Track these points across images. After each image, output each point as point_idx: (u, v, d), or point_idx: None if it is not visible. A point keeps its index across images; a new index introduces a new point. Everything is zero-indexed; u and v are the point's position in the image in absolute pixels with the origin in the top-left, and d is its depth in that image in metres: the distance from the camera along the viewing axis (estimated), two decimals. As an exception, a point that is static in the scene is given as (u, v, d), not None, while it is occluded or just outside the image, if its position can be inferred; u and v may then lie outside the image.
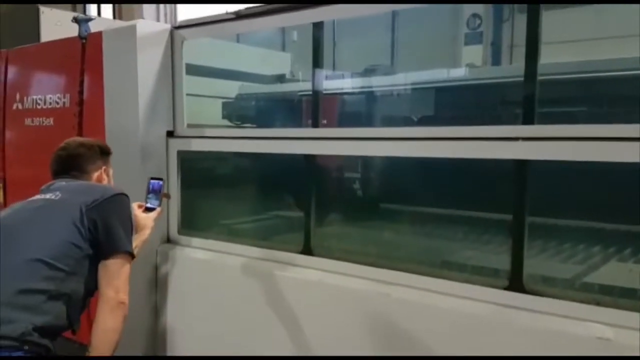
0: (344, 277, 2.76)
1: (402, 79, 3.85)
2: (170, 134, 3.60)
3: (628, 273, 2.52)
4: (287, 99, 4.02)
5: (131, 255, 2.35)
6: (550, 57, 2.43)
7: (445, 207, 3.33)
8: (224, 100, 4.15)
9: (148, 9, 11.64)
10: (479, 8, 5.70)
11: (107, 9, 12.89)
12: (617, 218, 2.65)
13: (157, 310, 3.56)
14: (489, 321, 2.27)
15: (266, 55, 4.38)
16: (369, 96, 3.82)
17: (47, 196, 2.37)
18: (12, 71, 4.32)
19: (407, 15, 5.42)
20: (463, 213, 3.30)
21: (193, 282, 3.37)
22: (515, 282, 2.27)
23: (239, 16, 3.11)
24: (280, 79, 4.41)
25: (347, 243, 3.16)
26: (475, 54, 5.58)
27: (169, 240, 3.67)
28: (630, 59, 2.79)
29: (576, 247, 2.98)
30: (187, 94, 3.53)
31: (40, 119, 4.00)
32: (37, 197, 2.41)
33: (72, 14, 3.76)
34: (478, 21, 5.63)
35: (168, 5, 11.71)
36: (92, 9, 13.07)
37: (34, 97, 4.08)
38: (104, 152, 2.71)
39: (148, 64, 3.40)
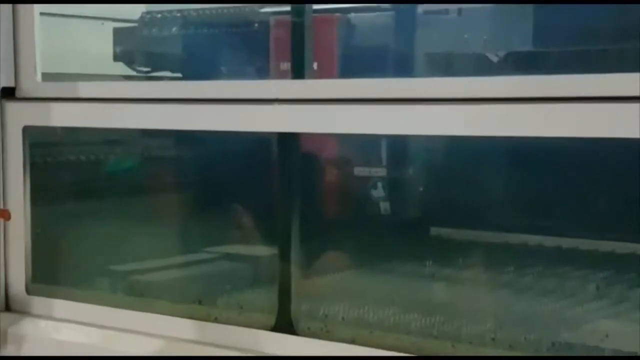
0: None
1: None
2: (7, 93, 2.30)
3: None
4: (243, 23, 2.65)
5: None
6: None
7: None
8: (118, 25, 2.81)
9: None
10: None
11: None
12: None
13: None
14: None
15: None
16: (404, 15, 2.36)
17: None
18: None
19: None
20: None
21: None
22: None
23: None
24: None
25: (368, 308, 1.97)
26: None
27: (7, 306, 2.38)
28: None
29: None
30: (44, 14, 2.32)
31: None
32: None
33: None
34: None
35: None
36: None
37: None
38: None
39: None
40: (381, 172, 2.15)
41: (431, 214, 2.22)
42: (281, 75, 2.19)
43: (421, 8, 2.21)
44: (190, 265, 2.31)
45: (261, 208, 2.09)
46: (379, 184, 2.09)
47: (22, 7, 2.22)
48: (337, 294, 2.03)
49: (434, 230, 2.15)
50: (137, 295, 2.19)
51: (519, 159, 1.81)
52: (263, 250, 2.13)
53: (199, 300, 2.11)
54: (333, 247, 2.08)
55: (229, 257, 2.28)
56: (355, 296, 2.00)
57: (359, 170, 2.15)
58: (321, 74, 2.09)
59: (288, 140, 1.91)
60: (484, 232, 2.10)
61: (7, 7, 2.21)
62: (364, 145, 2.11)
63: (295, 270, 1.90)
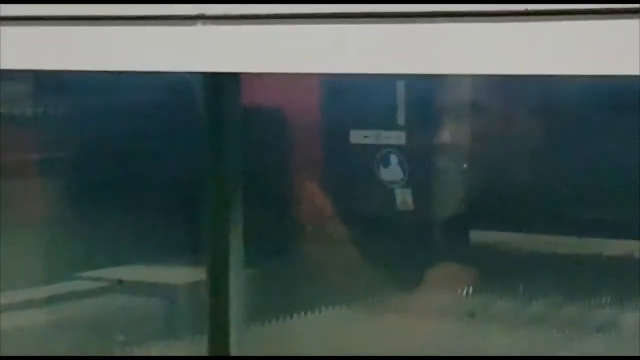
0: None
1: None
2: None
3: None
4: None
5: None
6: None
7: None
8: None
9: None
10: None
11: None
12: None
13: None
14: None
15: None
16: None
17: None
18: None
19: None
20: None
21: None
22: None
23: None
24: None
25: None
26: None
27: None
28: None
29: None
30: None
31: None
32: None
33: None
34: None
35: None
36: None
37: None
38: None
39: None
40: (397, 137, 1.25)
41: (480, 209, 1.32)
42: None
43: None
44: (56, 301, 1.43)
45: (178, 202, 1.29)
46: (394, 158, 1.19)
47: None
48: (300, 343, 1.26)
49: (477, 235, 1.28)
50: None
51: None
52: (182, 275, 1.35)
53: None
54: (304, 265, 1.26)
55: (123, 287, 1.41)
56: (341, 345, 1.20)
57: (357, 136, 1.24)
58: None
59: (224, 86, 1.22)
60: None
61: None
62: (366, 93, 1.25)
63: (237, 308, 1.22)
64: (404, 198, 1.13)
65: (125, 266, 1.39)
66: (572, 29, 0.74)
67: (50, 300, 1.41)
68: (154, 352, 1.30)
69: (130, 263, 1.38)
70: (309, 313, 1.23)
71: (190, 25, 0.95)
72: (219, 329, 1.23)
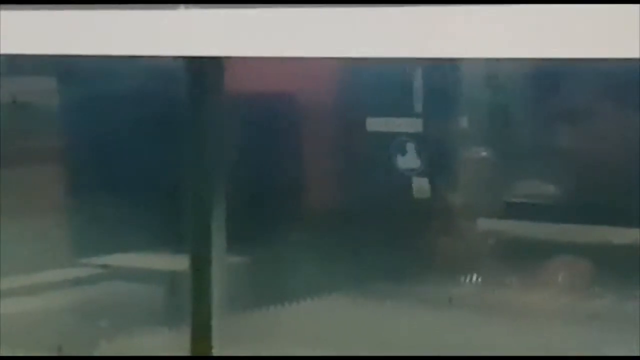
0: None
1: None
2: None
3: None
4: None
5: None
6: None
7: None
8: None
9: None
10: None
11: None
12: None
13: None
14: None
15: None
16: None
17: None
18: None
19: None
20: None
21: None
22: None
23: None
24: None
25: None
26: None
27: None
28: None
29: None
30: None
31: None
32: None
33: None
34: None
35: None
36: None
37: None
38: None
39: None
40: (412, 124, 1.21)
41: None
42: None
43: None
44: (40, 288, 1.43)
45: (161, 190, 1.28)
46: (410, 146, 1.14)
47: None
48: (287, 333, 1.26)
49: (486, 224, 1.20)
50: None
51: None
52: (165, 263, 1.34)
53: (59, 347, 1.32)
54: (288, 255, 1.24)
55: (107, 272, 1.41)
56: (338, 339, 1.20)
57: (372, 123, 1.21)
58: None
59: (207, 71, 1.16)
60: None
61: None
62: (381, 79, 1.20)
63: (220, 297, 1.21)
64: (421, 186, 1.12)
65: (110, 254, 1.39)
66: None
67: (34, 287, 1.42)
68: (137, 339, 1.30)
69: (115, 251, 1.39)
70: (292, 303, 1.23)
71: (173, 9, 0.94)
72: (201, 317, 1.23)
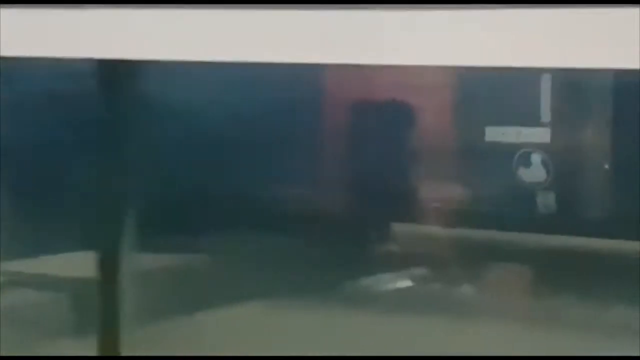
0: None
1: None
2: None
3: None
4: None
5: None
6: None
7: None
8: None
9: None
10: None
11: None
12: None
13: None
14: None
15: None
16: None
17: None
18: None
19: None
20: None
21: None
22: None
23: None
24: None
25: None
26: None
27: None
28: None
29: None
30: None
31: None
32: None
33: None
34: None
35: None
36: None
37: None
38: None
39: None
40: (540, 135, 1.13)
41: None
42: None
43: None
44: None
45: (71, 194, 1.22)
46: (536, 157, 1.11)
47: None
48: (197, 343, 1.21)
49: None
50: None
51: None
52: (74, 270, 1.28)
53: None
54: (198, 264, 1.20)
55: (12, 280, 1.33)
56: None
57: (494, 133, 1.13)
58: None
59: (121, 74, 1.12)
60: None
61: None
62: (504, 88, 1.08)
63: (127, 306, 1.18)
64: (546, 200, 1.09)
65: (18, 261, 1.32)
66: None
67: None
68: (44, 347, 1.24)
69: (23, 257, 1.31)
70: (204, 312, 1.19)
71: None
72: (108, 327, 1.18)
